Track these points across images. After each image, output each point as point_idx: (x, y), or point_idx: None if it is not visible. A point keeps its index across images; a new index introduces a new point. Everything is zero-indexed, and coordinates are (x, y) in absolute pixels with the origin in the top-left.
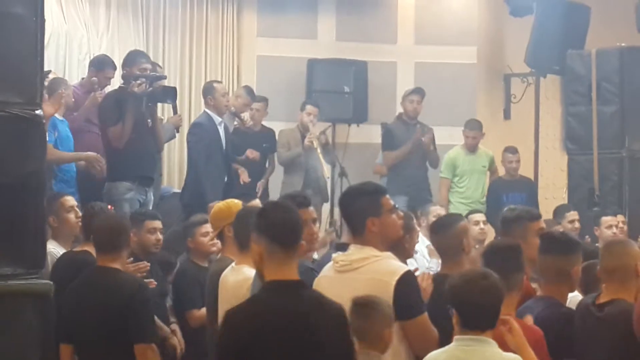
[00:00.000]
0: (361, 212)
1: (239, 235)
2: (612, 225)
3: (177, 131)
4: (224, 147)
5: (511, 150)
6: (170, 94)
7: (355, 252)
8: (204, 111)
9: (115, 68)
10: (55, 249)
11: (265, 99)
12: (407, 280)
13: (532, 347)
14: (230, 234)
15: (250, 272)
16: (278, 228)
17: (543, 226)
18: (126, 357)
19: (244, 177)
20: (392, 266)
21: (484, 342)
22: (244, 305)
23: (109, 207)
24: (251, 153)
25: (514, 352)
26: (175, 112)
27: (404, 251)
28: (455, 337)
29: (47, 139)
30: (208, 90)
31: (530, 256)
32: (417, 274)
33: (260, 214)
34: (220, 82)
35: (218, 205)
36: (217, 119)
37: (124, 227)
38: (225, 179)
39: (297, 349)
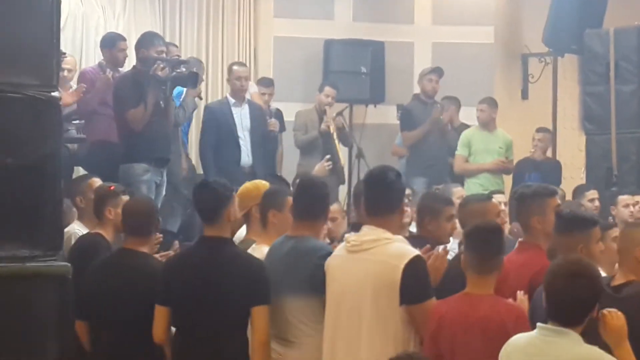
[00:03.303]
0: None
1: (262, 215)
2: (629, 204)
3: (201, 98)
4: (238, 129)
5: (538, 129)
6: (194, 80)
7: (368, 232)
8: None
9: (125, 39)
10: (80, 230)
11: (272, 81)
12: (416, 265)
13: (514, 324)
14: (258, 214)
15: (267, 251)
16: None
17: (558, 202)
18: (143, 340)
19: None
20: (401, 249)
21: (566, 335)
22: (179, 253)
23: (110, 187)
24: (273, 125)
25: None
26: (200, 98)
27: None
28: (539, 325)
29: None
30: (228, 72)
31: (548, 232)
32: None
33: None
34: (242, 64)
35: (246, 185)
36: (231, 100)
37: (153, 211)
38: (249, 161)
39: (212, 290)
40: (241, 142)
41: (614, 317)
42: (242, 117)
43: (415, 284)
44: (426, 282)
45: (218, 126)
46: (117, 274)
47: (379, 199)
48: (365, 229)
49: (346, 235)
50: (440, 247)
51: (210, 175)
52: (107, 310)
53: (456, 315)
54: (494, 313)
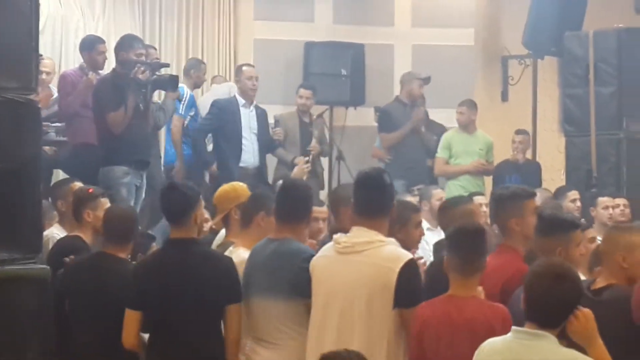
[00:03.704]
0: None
1: (243, 214)
2: (608, 207)
3: (179, 100)
4: (243, 130)
5: (517, 131)
6: (174, 83)
7: (359, 234)
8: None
9: (104, 42)
10: (58, 234)
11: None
12: (411, 268)
13: (501, 326)
14: (237, 216)
15: (245, 254)
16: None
17: (536, 204)
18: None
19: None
20: (396, 253)
21: (543, 338)
22: (149, 257)
23: (89, 190)
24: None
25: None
26: (180, 100)
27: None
28: (514, 328)
29: (183, 114)
30: (236, 73)
31: (527, 234)
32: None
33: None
34: (251, 65)
35: (224, 187)
36: (241, 101)
37: (134, 219)
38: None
39: (186, 292)
40: (245, 142)
41: (583, 317)
42: (249, 119)
43: (410, 288)
44: (420, 286)
45: (223, 122)
46: (93, 276)
47: (372, 200)
48: (356, 230)
49: (335, 236)
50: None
51: (202, 160)
52: (81, 311)
53: (441, 317)
54: (480, 315)
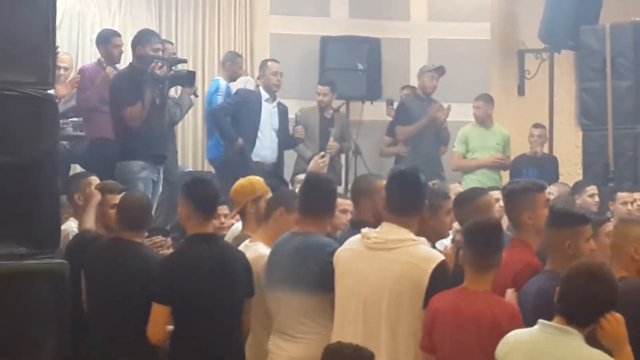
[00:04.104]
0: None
1: (267, 210)
2: (627, 202)
3: (196, 95)
4: (263, 124)
5: (535, 125)
6: (191, 79)
7: (390, 231)
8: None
9: (120, 35)
10: (76, 228)
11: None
12: (443, 269)
13: (508, 323)
14: (253, 210)
15: (265, 250)
16: (199, 198)
17: (548, 197)
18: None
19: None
20: (429, 253)
21: (570, 334)
22: (178, 252)
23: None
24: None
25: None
26: (196, 95)
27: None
28: (541, 321)
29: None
30: (261, 67)
31: (539, 228)
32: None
33: (187, 185)
34: (276, 61)
35: (240, 182)
36: (264, 95)
37: (147, 206)
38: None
39: (217, 283)
40: (262, 137)
41: (615, 321)
42: (271, 114)
43: (441, 289)
44: (449, 287)
45: (243, 111)
46: (110, 259)
47: (408, 198)
48: (387, 226)
49: (363, 231)
50: (446, 246)
51: (232, 137)
52: (97, 294)
53: (450, 310)
54: (487, 310)
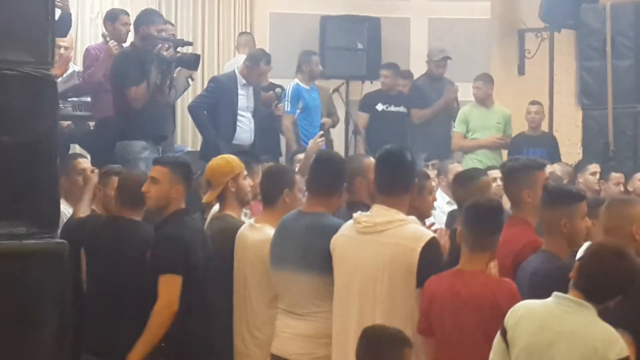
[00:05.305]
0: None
1: (267, 192)
2: (620, 183)
3: (192, 78)
4: (239, 108)
5: (532, 102)
6: (196, 62)
7: (380, 213)
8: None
9: (128, 14)
10: (65, 209)
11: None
12: (433, 247)
13: (508, 303)
14: (234, 189)
15: (272, 231)
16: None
17: (547, 176)
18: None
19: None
20: (417, 232)
21: (585, 309)
22: (194, 227)
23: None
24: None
25: None
26: (192, 79)
27: (418, 212)
28: (556, 294)
29: (290, 110)
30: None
31: (538, 206)
32: (433, 228)
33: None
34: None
35: (215, 161)
36: (241, 80)
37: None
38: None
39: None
40: (241, 119)
41: None
42: (247, 97)
43: (432, 267)
44: (442, 264)
45: (220, 97)
46: (111, 235)
47: (395, 178)
48: (376, 209)
49: (355, 215)
50: (436, 226)
51: (208, 133)
52: (97, 268)
53: (447, 292)
54: (486, 290)
